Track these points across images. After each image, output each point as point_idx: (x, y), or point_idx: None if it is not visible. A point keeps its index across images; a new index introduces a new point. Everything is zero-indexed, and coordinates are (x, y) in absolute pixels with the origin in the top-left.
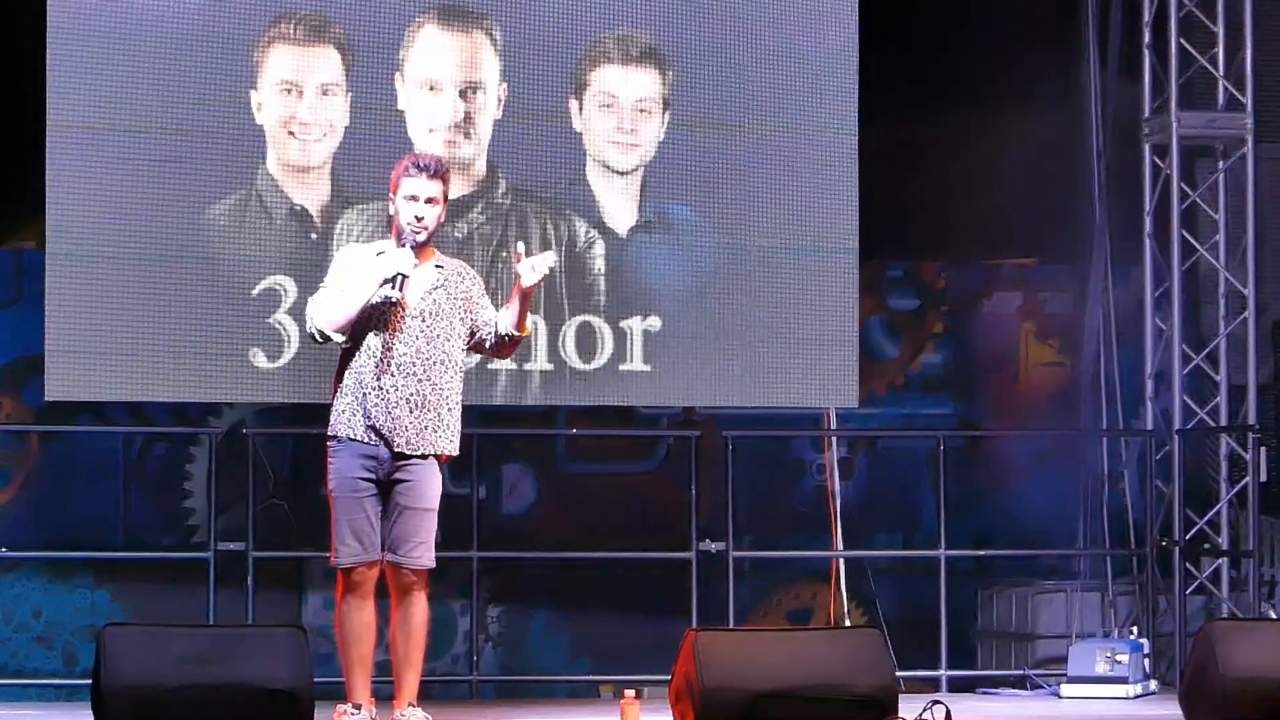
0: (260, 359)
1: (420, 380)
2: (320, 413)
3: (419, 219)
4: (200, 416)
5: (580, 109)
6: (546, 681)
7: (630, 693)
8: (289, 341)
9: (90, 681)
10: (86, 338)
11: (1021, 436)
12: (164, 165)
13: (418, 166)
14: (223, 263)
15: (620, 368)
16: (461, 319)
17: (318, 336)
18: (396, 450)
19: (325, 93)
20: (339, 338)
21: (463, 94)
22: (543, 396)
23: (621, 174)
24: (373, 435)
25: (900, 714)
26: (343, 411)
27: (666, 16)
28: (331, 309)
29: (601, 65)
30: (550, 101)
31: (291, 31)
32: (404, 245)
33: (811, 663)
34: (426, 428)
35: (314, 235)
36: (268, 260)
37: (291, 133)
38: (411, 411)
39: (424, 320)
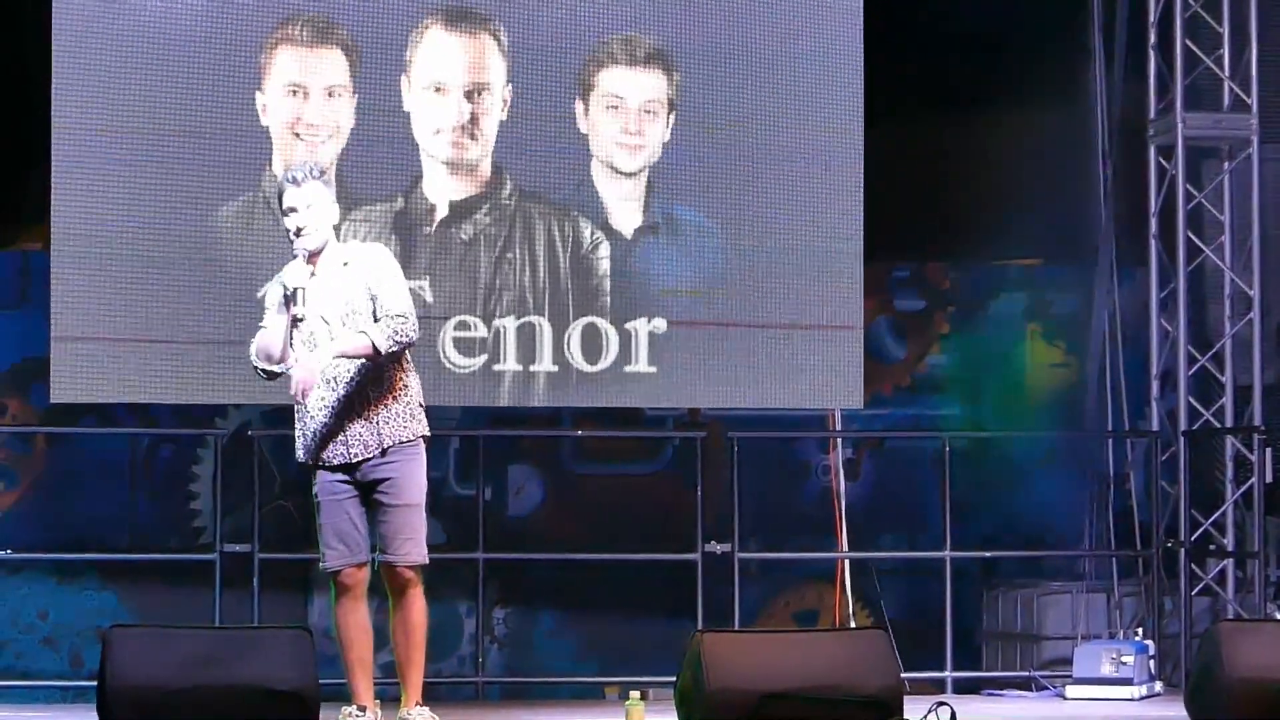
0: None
1: (350, 386)
2: None
3: (299, 230)
4: (206, 418)
5: (586, 111)
6: (552, 683)
7: (636, 694)
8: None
9: (96, 683)
10: (92, 339)
11: (1027, 438)
12: (170, 167)
13: (288, 179)
14: (228, 265)
15: (626, 369)
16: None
17: (261, 374)
18: (358, 459)
19: (331, 95)
20: (279, 368)
21: (468, 96)
22: (548, 398)
23: (627, 175)
24: (334, 455)
25: (905, 715)
26: (302, 437)
27: (672, 18)
28: (260, 345)
29: (607, 67)
30: (556, 103)
31: (297, 33)
32: (295, 258)
33: (817, 664)
34: (379, 424)
35: None
36: (273, 262)
37: (297, 135)
38: (355, 420)
39: (343, 324)
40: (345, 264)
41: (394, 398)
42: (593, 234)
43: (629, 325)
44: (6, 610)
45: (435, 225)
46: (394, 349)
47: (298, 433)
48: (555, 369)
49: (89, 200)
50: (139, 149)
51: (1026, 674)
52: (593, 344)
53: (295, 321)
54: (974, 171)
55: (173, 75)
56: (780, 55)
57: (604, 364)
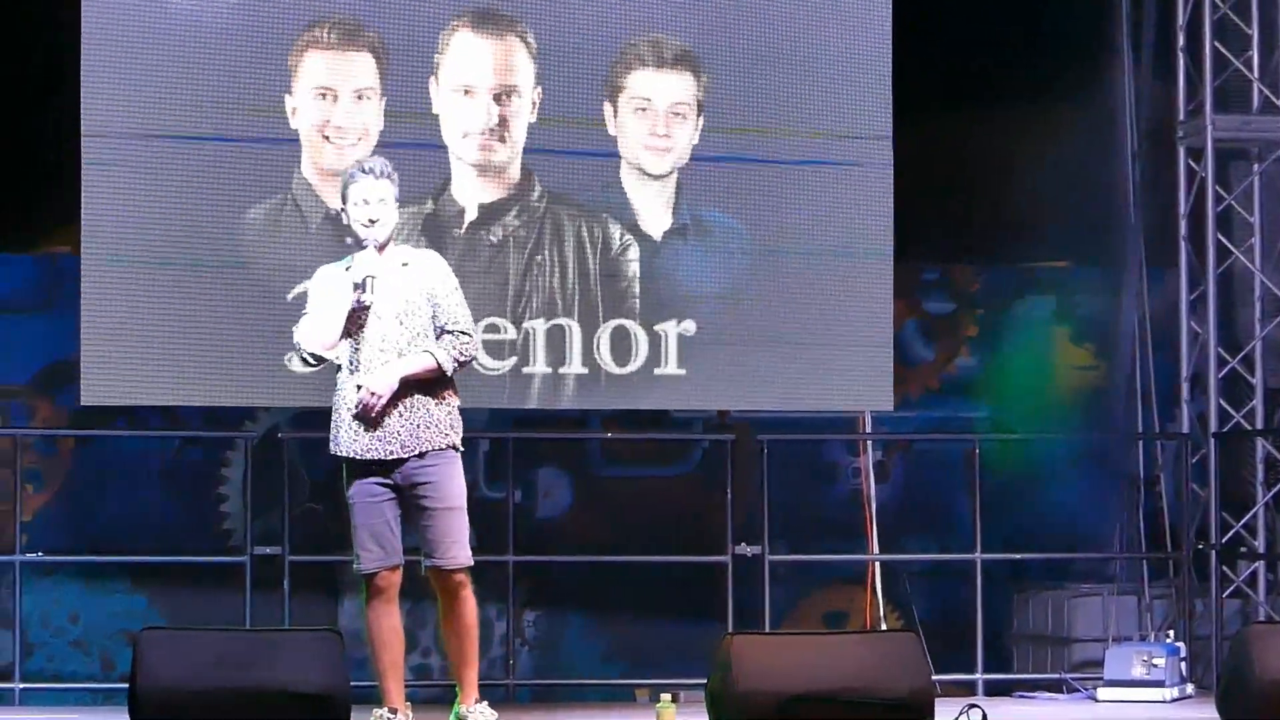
0: (295, 363)
1: (403, 387)
2: None
3: (373, 220)
4: (235, 421)
5: (615, 113)
6: (582, 685)
7: (666, 696)
8: None
9: (126, 685)
10: (122, 342)
11: (1056, 440)
12: (199, 170)
13: (363, 170)
14: (258, 267)
15: (655, 372)
16: (433, 313)
17: (310, 360)
18: (393, 457)
19: (360, 97)
20: (330, 355)
21: (497, 98)
22: (577, 400)
23: (656, 178)
24: (371, 449)
25: (936, 718)
26: (341, 429)
27: (700, 20)
28: (314, 330)
29: (636, 69)
30: (584, 105)
31: (326, 37)
32: (365, 248)
33: (847, 666)
34: (419, 426)
35: (349, 240)
36: (303, 265)
37: (326, 137)
38: (401, 417)
39: (400, 322)
40: (404, 264)
41: (437, 403)
42: (622, 236)
43: (658, 328)
44: (37, 613)
45: (464, 228)
46: (457, 368)
47: (334, 426)
48: (585, 371)
49: (118, 203)
50: (168, 152)
51: (1057, 676)
52: (622, 346)
53: (363, 308)
54: (1003, 174)
55: (202, 78)
56: (809, 57)
57: (633, 366)
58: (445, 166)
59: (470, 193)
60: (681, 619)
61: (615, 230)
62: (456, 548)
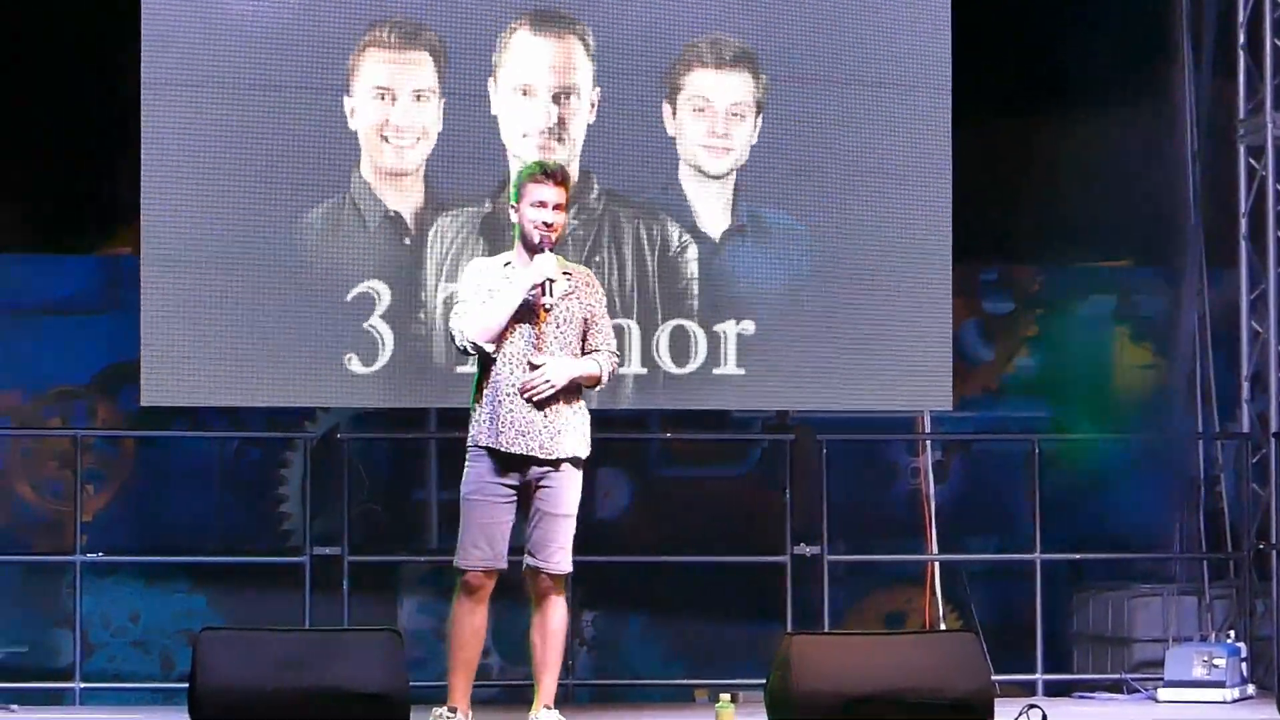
0: (355, 364)
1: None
2: (414, 417)
3: (548, 225)
4: (295, 421)
5: (673, 113)
6: (641, 685)
7: (725, 696)
8: (384, 346)
9: (187, 685)
10: (182, 343)
11: (1116, 440)
12: (258, 170)
13: (545, 173)
14: (317, 268)
15: (714, 371)
16: (583, 330)
17: (469, 349)
18: (531, 455)
19: (419, 98)
20: (489, 348)
21: (556, 99)
22: (636, 400)
23: (715, 178)
24: (510, 442)
25: (996, 718)
26: (481, 420)
27: (760, 20)
28: (482, 321)
29: (695, 69)
30: (643, 105)
31: (385, 37)
32: (541, 251)
33: (907, 667)
34: (559, 431)
35: (408, 240)
36: (362, 266)
37: (385, 138)
38: (544, 417)
39: (557, 326)
40: (566, 274)
41: (574, 411)
42: (680, 236)
43: (717, 327)
44: (98, 613)
45: None
46: (605, 384)
47: (474, 418)
48: (643, 371)
49: (178, 204)
50: (227, 153)
51: (1117, 676)
52: (681, 346)
53: (543, 310)
54: (1063, 173)
55: (261, 79)
56: (868, 56)
57: (692, 366)
58: (504, 167)
59: None
60: (740, 619)
61: (674, 230)
62: (560, 554)
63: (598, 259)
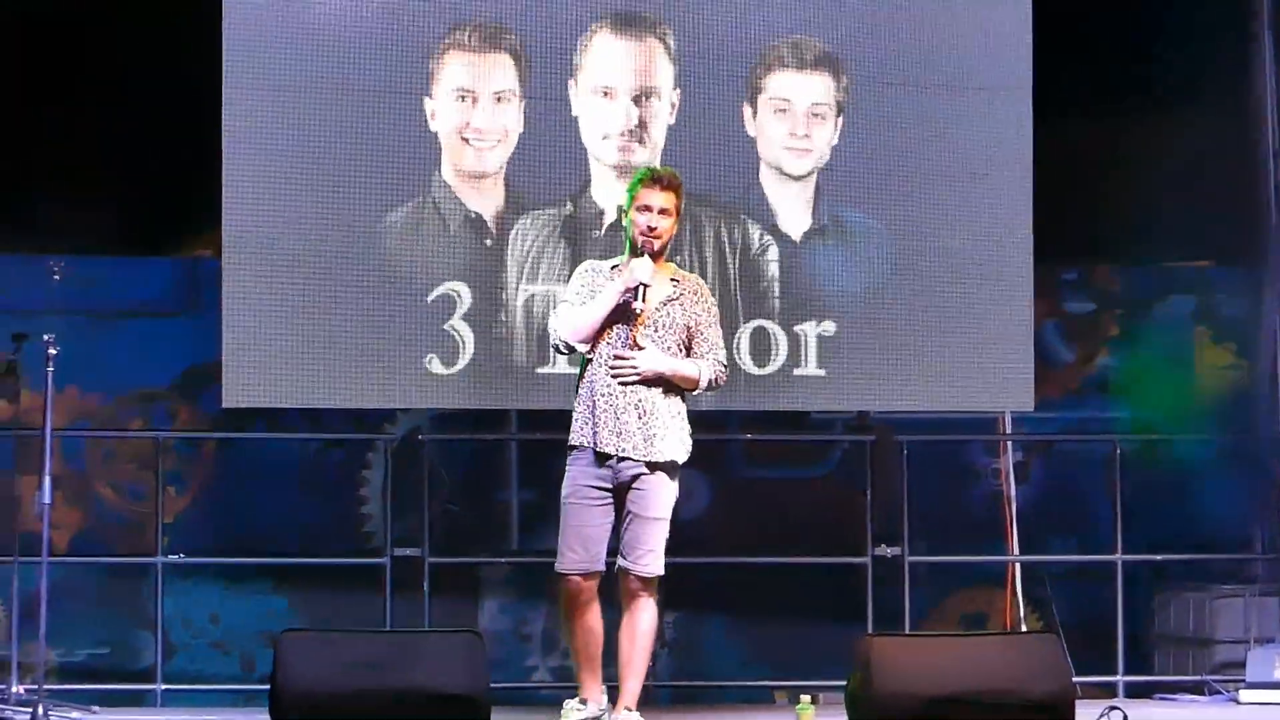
0: (436, 365)
1: (648, 389)
2: (494, 418)
3: (651, 229)
4: (376, 422)
5: (754, 114)
6: (721, 687)
7: (806, 698)
8: (464, 348)
9: (268, 687)
10: (263, 344)
11: (1197, 440)
12: (339, 172)
13: (653, 178)
14: (398, 269)
15: (795, 372)
16: (688, 338)
17: (562, 348)
18: (623, 456)
19: (500, 100)
20: (583, 348)
21: (636, 100)
22: (716, 401)
23: (795, 179)
24: (604, 442)
25: None
26: (578, 420)
27: (841, 22)
28: (575, 321)
29: (776, 70)
30: (724, 107)
31: (467, 39)
32: (641, 255)
33: (987, 668)
34: (655, 435)
35: (488, 242)
36: (443, 267)
37: (466, 140)
38: (639, 419)
39: (656, 330)
40: (673, 280)
41: (673, 417)
42: (761, 237)
43: (798, 328)
44: (178, 614)
45: (604, 230)
46: (706, 390)
47: (579, 415)
48: None
49: (259, 206)
50: (308, 155)
51: (1199, 678)
52: (761, 347)
53: (634, 314)
54: (1143, 173)
55: (342, 81)
56: (949, 57)
57: (773, 367)
58: (585, 168)
59: (610, 195)
60: (821, 620)
61: (755, 231)
62: (650, 556)
63: (679, 259)
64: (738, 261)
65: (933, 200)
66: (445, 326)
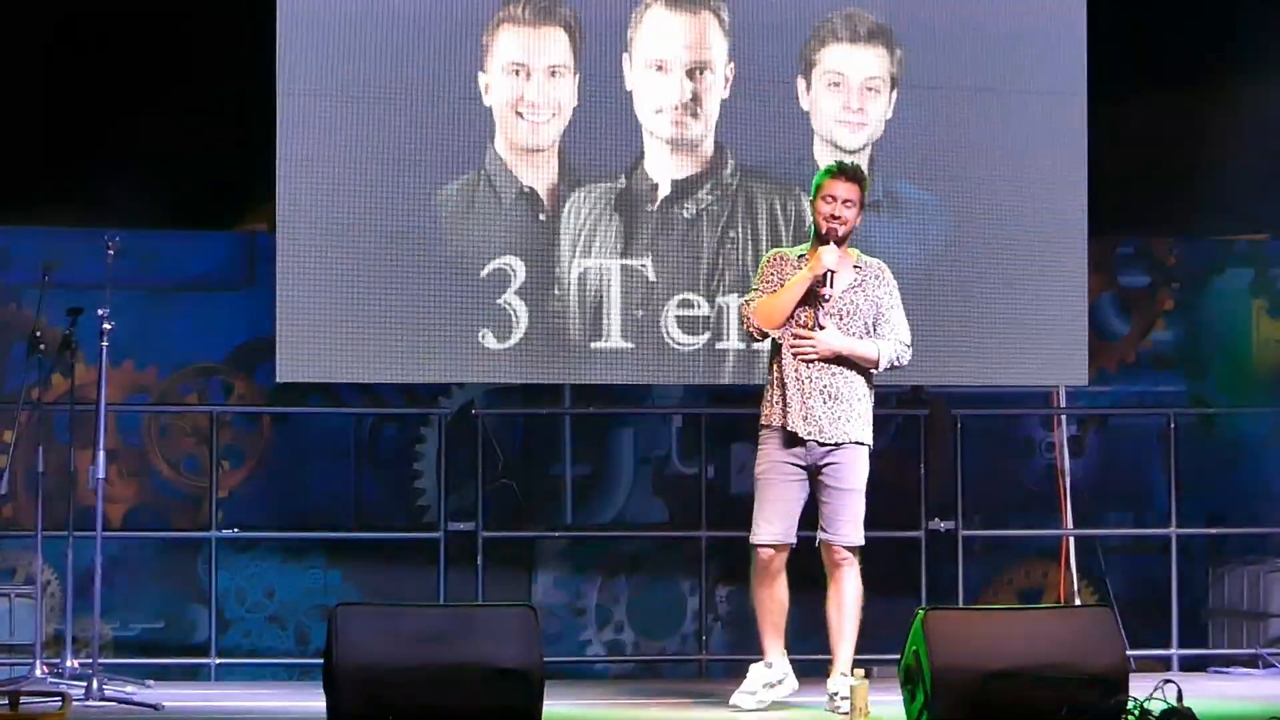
0: (490, 340)
1: (834, 374)
2: (548, 393)
3: (835, 217)
4: (430, 397)
5: (808, 88)
6: None
7: (860, 672)
8: (518, 322)
9: (322, 660)
10: (317, 319)
11: (1253, 413)
12: (393, 147)
13: (838, 169)
14: (452, 244)
15: None
16: (874, 320)
17: (755, 334)
18: (810, 438)
19: (553, 74)
20: (775, 333)
21: (690, 74)
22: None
23: (849, 152)
24: (795, 424)
25: (1131, 693)
26: (770, 402)
27: None
28: (767, 307)
29: (829, 44)
30: (778, 81)
31: (520, 13)
32: (828, 243)
33: (1042, 642)
34: (840, 418)
35: (542, 216)
36: (497, 241)
37: (520, 114)
38: (825, 402)
39: (840, 318)
40: (856, 266)
41: (859, 399)
42: None
43: None
44: (233, 589)
45: (658, 204)
46: (887, 369)
47: (772, 397)
48: None
49: (314, 181)
50: (363, 130)
51: (1253, 651)
52: None
53: (823, 300)
54: (1199, 145)
55: (397, 55)
56: (1003, 29)
57: None
58: (638, 142)
59: (664, 168)
60: (875, 594)
61: (808, 205)
62: (849, 527)
63: (732, 234)
64: (791, 235)
65: (987, 173)
66: (499, 301)
